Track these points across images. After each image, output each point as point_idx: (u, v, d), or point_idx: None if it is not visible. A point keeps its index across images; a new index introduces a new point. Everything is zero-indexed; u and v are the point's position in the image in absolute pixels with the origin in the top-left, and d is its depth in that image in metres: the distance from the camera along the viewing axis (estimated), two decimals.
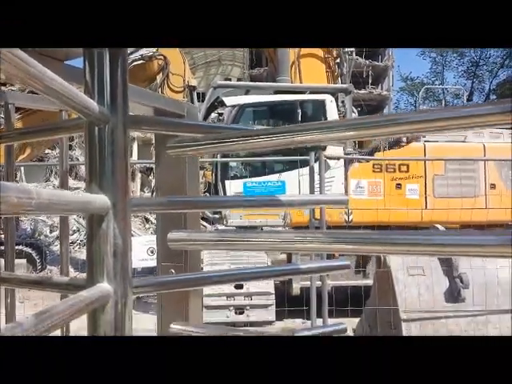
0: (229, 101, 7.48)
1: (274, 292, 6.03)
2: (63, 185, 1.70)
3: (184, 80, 10.34)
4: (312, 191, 5.05)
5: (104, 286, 1.03)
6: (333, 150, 6.73)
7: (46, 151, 13.88)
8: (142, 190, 17.18)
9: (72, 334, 1.56)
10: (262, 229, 6.50)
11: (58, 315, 0.81)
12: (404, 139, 8.51)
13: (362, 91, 22.59)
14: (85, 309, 0.90)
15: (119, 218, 1.08)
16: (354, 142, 8.03)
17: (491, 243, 0.83)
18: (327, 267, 1.36)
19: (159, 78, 9.87)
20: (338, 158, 6.62)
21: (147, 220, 14.06)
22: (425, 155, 7.56)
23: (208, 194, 7.44)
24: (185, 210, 1.47)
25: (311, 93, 7.88)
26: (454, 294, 4.65)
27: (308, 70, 9.00)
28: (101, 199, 1.05)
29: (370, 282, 6.24)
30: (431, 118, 0.90)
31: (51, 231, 12.61)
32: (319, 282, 5.16)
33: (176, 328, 1.32)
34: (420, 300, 4.59)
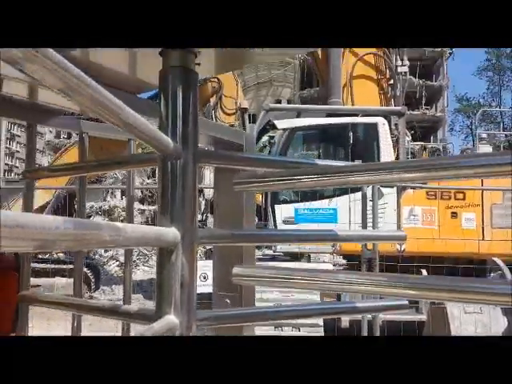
0: (280, 124, 7.54)
1: (322, 324, 5.90)
2: (129, 210, 1.78)
3: (236, 102, 10.55)
4: (364, 220, 4.94)
5: (171, 319, 1.06)
6: None
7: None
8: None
9: None
10: (309, 256, 6.43)
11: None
12: None
13: (415, 112, 22.12)
14: None
15: (187, 250, 1.12)
16: None
17: None
18: (385, 307, 1.34)
19: (213, 100, 10.13)
20: (392, 186, 6.46)
21: None
22: (482, 182, 7.26)
23: (257, 218, 7.47)
24: (248, 243, 1.49)
25: (363, 115, 7.81)
26: None
27: (360, 92, 8.95)
28: (173, 233, 1.09)
29: (423, 317, 5.99)
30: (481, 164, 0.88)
31: (106, 251, 12.97)
32: (370, 316, 5.02)
33: None
34: None
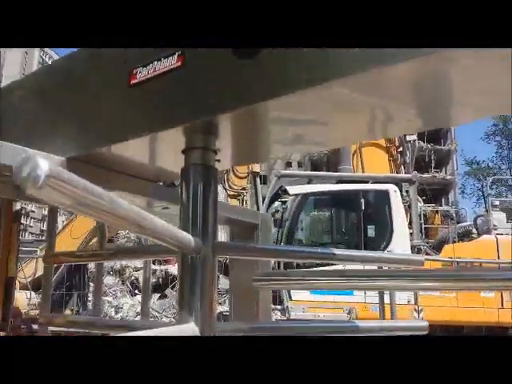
0: (292, 190, 7.63)
1: None
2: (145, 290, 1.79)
3: (248, 166, 10.74)
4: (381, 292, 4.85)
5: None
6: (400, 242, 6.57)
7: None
8: None
9: None
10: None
11: None
12: (474, 230, 8.16)
13: (425, 175, 22.24)
14: None
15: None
16: (421, 231, 7.80)
17: None
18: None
19: None
20: (408, 263, 6.35)
21: None
22: (497, 249, 7.15)
23: None
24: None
25: (374, 182, 7.89)
26: None
27: (370, 159, 9.09)
28: (192, 328, 1.09)
29: None
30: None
31: (116, 312, 12.78)
32: None
33: None
34: None
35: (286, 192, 7.84)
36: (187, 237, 1.12)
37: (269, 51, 0.88)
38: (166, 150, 1.27)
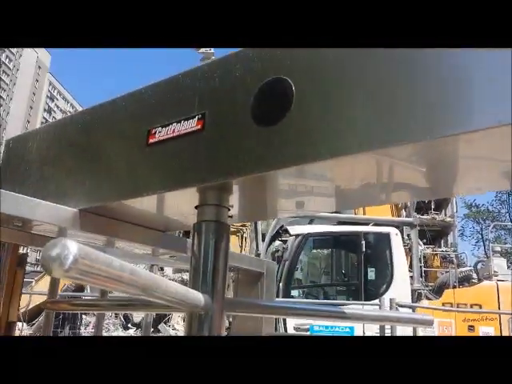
0: (293, 230, 7.62)
1: None
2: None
3: None
4: (382, 331, 4.79)
5: None
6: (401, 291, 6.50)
7: None
8: None
9: None
10: None
11: None
12: (474, 275, 8.11)
13: (425, 216, 22.25)
14: None
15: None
16: (422, 274, 7.73)
17: None
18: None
19: None
20: (410, 307, 6.27)
21: None
22: (498, 295, 7.08)
23: None
24: None
25: (375, 224, 7.88)
26: None
27: None
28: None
29: None
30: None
31: None
32: None
33: None
34: None
35: (286, 232, 7.83)
36: (197, 296, 1.11)
37: (290, 118, 0.90)
38: (179, 205, 1.27)
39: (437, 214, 24.76)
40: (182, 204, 1.27)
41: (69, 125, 1.36)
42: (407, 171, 0.93)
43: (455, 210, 25.54)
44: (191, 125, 1.02)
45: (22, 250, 1.71)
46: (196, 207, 1.22)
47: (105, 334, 12.58)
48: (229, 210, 1.24)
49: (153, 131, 1.08)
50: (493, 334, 6.90)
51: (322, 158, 0.86)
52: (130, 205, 1.30)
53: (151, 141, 1.08)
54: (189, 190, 1.12)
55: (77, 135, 1.33)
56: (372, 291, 7.09)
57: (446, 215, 25.50)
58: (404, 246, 7.72)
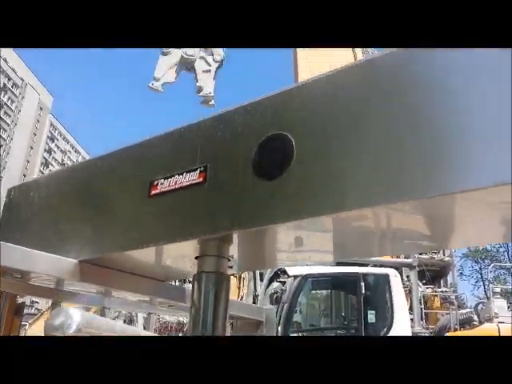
0: (291, 271, 7.54)
1: None
2: None
3: None
4: None
5: None
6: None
7: None
8: None
9: None
10: None
11: None
12: (475, 317, 7.98)
13: (423, 256, 22.09)
14: None
15: None
16: (422, 317, 7.61)
17: None
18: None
19: None
20: None
21: None
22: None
23: None
24: None
25: (374, 265, 7.82)
26: None
27: None
28: None
29: None
30: None
31: None
32: None
33: None
34: None
35: (285, 273, 7.74)
36: None
37: (290, 174, 0.91)
38: (179, 255, 1.27)
39: (435, 253, 24.59)
40: (182, 254, 1.27)
41: (71, 175, 1.37)
42: (407, 225, 0.94)
43: (453, 250, 25.42)
44: (193, 177, 1.04)
45: (20, 298, 1.69)
46: (196, 258, 1.22)
47: None
48: (229, 260, 1.24)
49: (155, 183, 1.10)
50: None
51: (321, 214, 0.87)
52: (130, 255, 1.30)
53: (153, 192, 1.09)
54: (189, 241, 1.12)
55: (78, 186, 1.35)
56: (372, 334, 6.95)
57: (444, 255, 25.33)
58: (404, 287, 7.63)
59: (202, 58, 4.06)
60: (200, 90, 3.79)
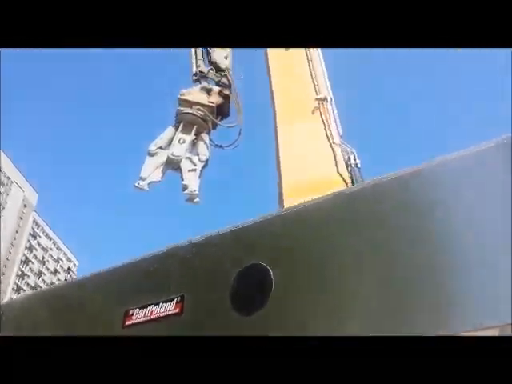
0: None
1: None
2: None
3: None
4: None
5: None
6: None
7: None
8: None
9: None
10: None
11: None
12: None
13: None
14: None
15: None
16: None
17: None
18: None
19: None
20: None
21: None
22: None
23: None
24: None
25: None
26: None
27: None
28: None
29: None
30: None
31: None
32: None
33: None
34: None
35: None
36: None
37: (268, 309, 0.89)
38: None
39: None
40: None
41: (51, 297, 1.34)
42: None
43: None
44: (169, 308, 1.01)
45: None
46: None
47: None
48: None
49: (130, 312, 1.06)
50: None
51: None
52: None
53: (128, 323, 1.05)
54: None
55: (56, 308, 1.30)
56: None
57: None
58: None
59: (187, 158, 4.23)
60: (185, 188, 3.90)
